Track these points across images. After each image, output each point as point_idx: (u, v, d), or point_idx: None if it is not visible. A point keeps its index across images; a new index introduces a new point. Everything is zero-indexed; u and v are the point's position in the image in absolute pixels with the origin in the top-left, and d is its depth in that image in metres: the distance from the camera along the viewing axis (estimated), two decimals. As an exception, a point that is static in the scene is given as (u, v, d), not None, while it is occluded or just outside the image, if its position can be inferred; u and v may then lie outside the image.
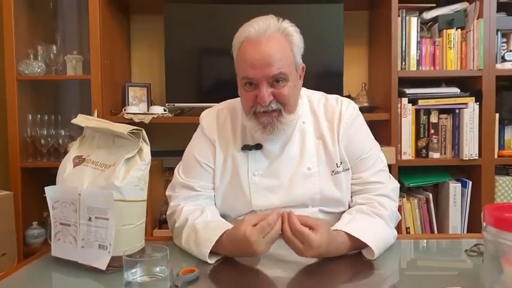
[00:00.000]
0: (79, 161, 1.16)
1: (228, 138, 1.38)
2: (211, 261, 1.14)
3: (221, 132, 1.39)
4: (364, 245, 1.16)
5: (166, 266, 0.94)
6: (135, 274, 0.93)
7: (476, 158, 2.32)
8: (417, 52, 2.35)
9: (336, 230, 1.18)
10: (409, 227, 2.37)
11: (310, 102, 1.41)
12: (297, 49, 1.28)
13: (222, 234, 1.16)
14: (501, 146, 2.40)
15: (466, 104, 2.32)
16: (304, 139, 1.36)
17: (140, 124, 2.26)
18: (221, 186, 1.37)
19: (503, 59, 2.36)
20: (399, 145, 2.33)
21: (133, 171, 1.09)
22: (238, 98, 1.41)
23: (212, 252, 1.15)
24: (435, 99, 2.34)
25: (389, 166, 1.51)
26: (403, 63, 2.34)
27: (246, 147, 1.35)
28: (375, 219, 1.26)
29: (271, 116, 1.26)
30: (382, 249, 1.19)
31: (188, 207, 1.33)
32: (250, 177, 1.34)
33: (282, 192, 1.33)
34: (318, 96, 1.43)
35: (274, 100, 1.25)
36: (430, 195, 2.38)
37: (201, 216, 1.28)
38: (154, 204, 2.35)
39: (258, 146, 1.35)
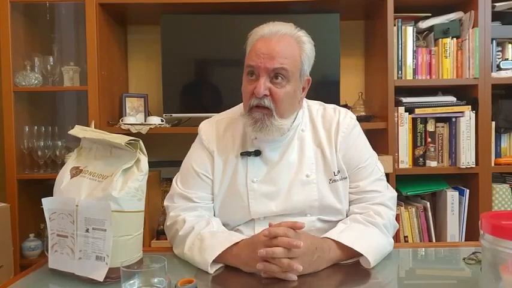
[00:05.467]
0: (76, 172, 1.16)
1: (228, 147, 1.38)
2: (211, 270, 1.14)
3: (220, 143, 1.39)
4: (359, 254, 1.17)
5: (164, 277, 0.94)
6: (133, 285, 0.92)
7: (473, 166, 2.32)
8: (413, 61, 2.36)
9: (324, 238, 1.19)
10: (407, 236, 2.37)
11: (310, 111, 1.42)
12: (305, 57, 1.30)
13: (235, 244, 1.16)
14: (498, 154, 2.41)
15: (462, 112, 2.33)
16: (303, 146, 1.36)
17: (137, 135, 2.26)
18: (220, 194, 1.37)
19: (499, 68, 2.38)
20: (396, 154, 2.34)
21: (130, 182, 1.09)
22: (238, 106, 1.42)
23: (212, 262, 1.15)
24: (432, 108, 2.35)
25: (387, 175, 1.51)
26: (400, 72, 2.35)
27: (245, 153, 1.36)
28: (368, 227, 1.27)
29: (263, 112, 1.27)
30: (377, 257, 1.19)
31: (191, 217, 1.32)
32: (248, 184, 1.34)
33: (281, 199, 1.33)
34: (316, 105, 1.44)
35: (269, 98, 1.26)
36: (428, 203, 2.38)
37: (208, 227, 1.28)
38: (152, 215, 2.34)
39: (257, 153, 1.36)
